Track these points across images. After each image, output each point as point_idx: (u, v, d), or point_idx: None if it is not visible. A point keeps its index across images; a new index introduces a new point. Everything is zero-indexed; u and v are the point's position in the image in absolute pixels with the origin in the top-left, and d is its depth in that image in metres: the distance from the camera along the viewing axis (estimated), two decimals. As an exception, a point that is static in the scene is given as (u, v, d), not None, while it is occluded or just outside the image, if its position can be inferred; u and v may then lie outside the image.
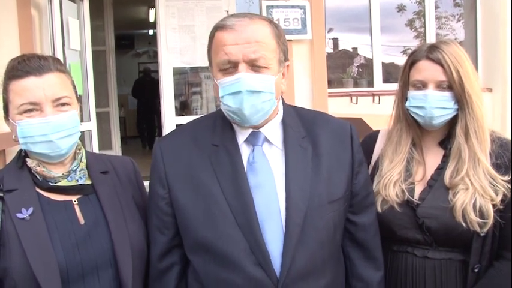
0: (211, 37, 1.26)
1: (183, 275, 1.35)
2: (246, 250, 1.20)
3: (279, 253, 1.20)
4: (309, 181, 1.25)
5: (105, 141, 6.11)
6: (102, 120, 6.12)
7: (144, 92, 8.91)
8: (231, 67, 1.20)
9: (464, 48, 1.52)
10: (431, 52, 1.48)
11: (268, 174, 1.26)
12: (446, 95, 1.47)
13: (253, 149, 1.28)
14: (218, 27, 1.23)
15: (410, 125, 1.56)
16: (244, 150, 1.28)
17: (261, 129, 1.29)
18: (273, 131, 1.30)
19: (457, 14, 5.44)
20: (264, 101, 1.22)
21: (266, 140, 1.29)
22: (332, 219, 1.27)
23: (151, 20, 8.22)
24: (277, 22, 4.34)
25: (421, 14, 5.26)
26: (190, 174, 1.28)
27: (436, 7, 5.22)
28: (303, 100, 4.26)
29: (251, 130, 1.29)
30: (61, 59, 1.70)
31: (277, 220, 1.22)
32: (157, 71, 4.37)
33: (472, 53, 4.81)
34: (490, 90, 4.88)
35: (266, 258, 1.19)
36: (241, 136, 1.29)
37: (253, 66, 1.20)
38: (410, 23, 5.37)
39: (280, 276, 1.19)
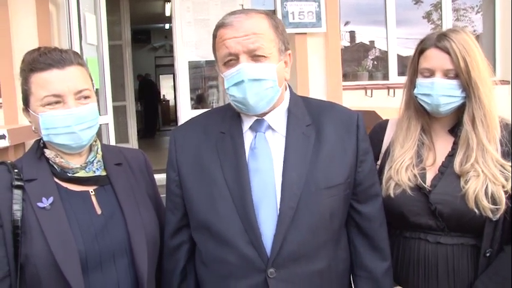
0: (214, 36, 1.33)
1: (192, 253, 1.44)
2: (241, 230, 1.27)
3: (271, 234, 1.26)
4: (307, 167, 1.30)
5: (121, 134, 6.20)
6: (119, 113, 6.20)
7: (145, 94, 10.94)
8: (233, 59, 1.28)
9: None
10: (439, 40, 1.50)
11: (267, 159, 1.32)
12: (453, 83, 1.48)
13: (256, 135, 1.35)
14: (219, 26, 1.31)
15: (419, 112, 1.59)
16: (248, 137, 1.36)
17: (264, 117, 1.35)
18: (277, 118, 1.36)
19: (476, 6, 5.35)
20: (267, 88, 1.27)
21: (270, 127, 1.35)
22: (329, 205, 1.31)
23: (168, 14, 8.27)
24: (291, 15, 4.28)
25: (438, 6, 5.19)
26: (198, 159, 1.37)
27: (454, -1, 5.14)
28: (317, 93, 4.26)
29: (255, 118, 1.35)
30: (78, 53, 1.74)
31: (272, 203, 1.28)
32: (173, 65, 4.41)
33: (490, 46, 4.63)
34: (508, 82, 4.80)
35: (258, 237, 1.26)
36: (246, 124, 1.37)
37: (254, 56, 1.26)
38: (428, 16, 5.31)
39: (270, 255, 1.26)
